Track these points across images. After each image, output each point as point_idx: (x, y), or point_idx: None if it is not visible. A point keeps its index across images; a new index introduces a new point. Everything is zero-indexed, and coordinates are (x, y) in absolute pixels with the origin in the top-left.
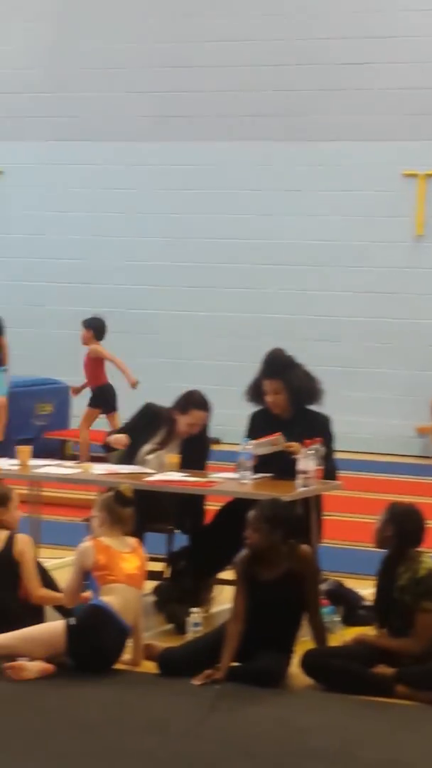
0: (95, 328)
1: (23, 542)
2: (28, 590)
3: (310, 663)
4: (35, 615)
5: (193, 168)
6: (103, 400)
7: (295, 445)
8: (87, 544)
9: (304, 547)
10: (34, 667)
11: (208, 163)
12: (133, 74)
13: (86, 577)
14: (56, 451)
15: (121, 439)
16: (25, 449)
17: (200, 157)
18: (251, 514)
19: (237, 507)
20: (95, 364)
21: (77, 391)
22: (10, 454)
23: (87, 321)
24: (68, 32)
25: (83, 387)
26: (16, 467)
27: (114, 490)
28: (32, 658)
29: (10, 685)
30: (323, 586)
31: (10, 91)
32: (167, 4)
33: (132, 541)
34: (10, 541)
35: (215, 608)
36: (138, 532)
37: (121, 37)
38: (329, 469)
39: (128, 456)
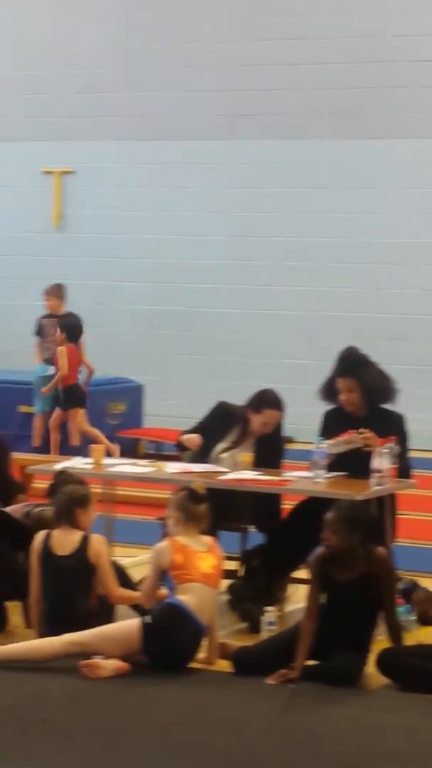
0: (66, 328)
1: (98, 543)
2: (107, 591)
3: (385, 662)
4: (108, 615)
5: (264, 166)
6: (72, 397)
7: (370, 436)
8: (163, 543)
9: (380, 550)
10: (110, 665)
11: (280, 162)
12: (204, 73)
13: (163, 576)
14: (129, 449)
15: (194, 440)
16: (99, 448)
17: (271, 156)
18: (330, 515)
19: (311, 506)
20: (69, 363)
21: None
22: (84, 453)
23: (59, 322)
24: (141, 32)
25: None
26: (90, 466)
27: (186, 488)
28: (107, 656)
29: (85, 682)
30: (398, 585)
31: (82, 91)
32: (238, 3)
33: (208, 539)
34: (84, 543)
35: (289, 607)
36: (212, 531)
37: (192, 36)
38: (403, 467)
39: (202, 455)
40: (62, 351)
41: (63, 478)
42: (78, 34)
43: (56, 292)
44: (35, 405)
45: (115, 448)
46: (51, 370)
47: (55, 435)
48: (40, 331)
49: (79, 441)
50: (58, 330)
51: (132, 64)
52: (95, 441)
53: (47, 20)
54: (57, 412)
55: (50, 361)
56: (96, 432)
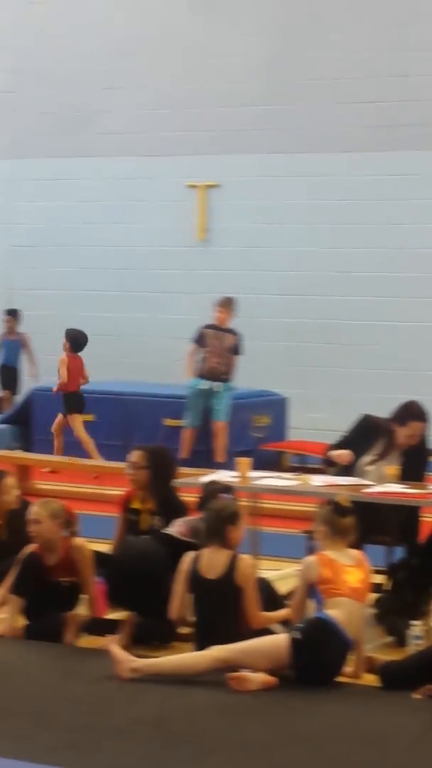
0: (71, 340)
1: (246, 566)
2: (249, 616)
3: None
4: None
5: (412, 178)
6: (73, 403)
7: None
8: (311, 557)
9: None
10: (257, 678)
11: (429, 172)
12: (350, 85)
13: (311, 591)
14: (273, 462)
15: (344, 456)
16: (244, 461)
17: (420, 167)
18: None
19: None
20: (70, 371)
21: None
22: (229, 466)
23: (67, 332)
24: (287, 44)
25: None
26: (236, 479)
27: (332, 501)
28: (254, 670)
29: (232, 696)
30: None
31: (228, 104)
32: (384, 14)
33: (356, 553)
34: (232, 566)
35: None
36: (357, 544)
37: (338, 47)
38: None
39: (347, 468)
40: (63, 360)
41: (212, 489)
42: (223, 48)
43: (227, 305)
44: (186, 418)
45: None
46: (203, 384)
47: (58, 440)
48: (201, 340)
49: (224, 458)
50: (64, 339)
51: (276, 77)
52: (86, 448)
53: (192, 34)
54: (59, 417)
55: (210, 371)
56: (89, 441)
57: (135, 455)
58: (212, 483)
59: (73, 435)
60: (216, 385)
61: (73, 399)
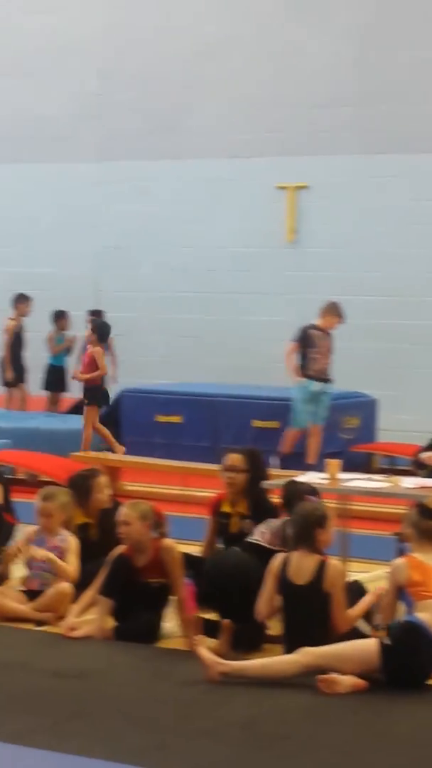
0: (98, 332)
1: (334, 572)
2: (338, 620)
3: None
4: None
5: None
6: (93, 396)
7: None
8: (400, 560)
9: None
10: (346, 681)
11: None
12: None
13: (400, 593)
14: (363, 464)
15: None
16: (334, 463)
17: None
18: None
19: None
20: (93, 364)
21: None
22: (319, 468)
23: (93, 321)
24: (377, 45)
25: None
26: (325, 481)
27: (419, 504)
28: (343, 673)
29: (322, 698)
30: None
31: (318, 105)
32: None
33: None
34: (320, 571)
35: None
36: None
37: (429, 47)
38: None
39: None
40: (99, 351)
41: (296, 489)
42: (312, 49)
43: (333, 309)
44: (295, 419)
45: (121, 449)
46: (315, 386)
47: (87, 431)
48: (307, 340)
49: (315, 459)
50: (89, 331)
51: (366, 78)
52: (107, 440)
53: (282, 35)
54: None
55: (320, 372)
56: (107, 433)
57: (234, 458)
58: (294, 483)
59: (164, 438)
60: (325, 387)
61: (96, 391)
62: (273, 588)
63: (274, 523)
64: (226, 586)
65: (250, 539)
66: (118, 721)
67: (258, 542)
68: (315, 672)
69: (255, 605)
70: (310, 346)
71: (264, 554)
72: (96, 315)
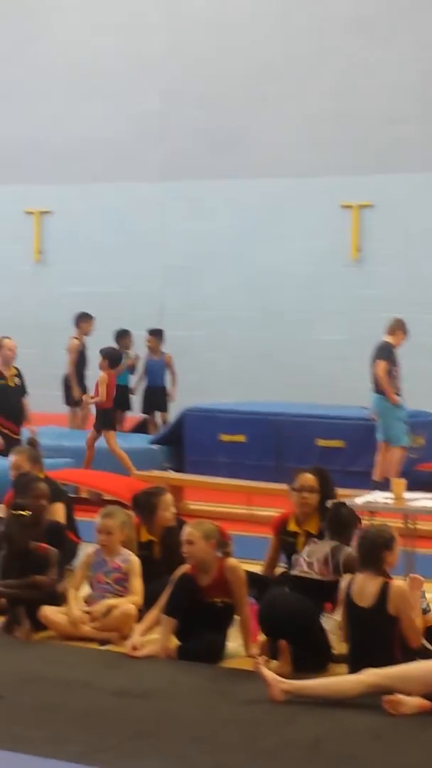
0: (109, 358)
1: (398, 594)
2: (409, 639)
3: None
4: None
5: None
6: (105, 421)
7: None
8: None
9: None
10: (412, 702)
11: None
12: None
13: None
14: (429, 483)
15: None
16: (400, 482)
17: None
18: None
19: None
20: (108, 389)
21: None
22: (385, 487)
23: (102, 350)
24: None
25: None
26: (391, 500)
27: None
28: (409, 694)
29: (388, 719)
30: None
31: (382, 123)
32: None
33: None
34: (384, 595)
35: None
36: None
37: None
38: None
39: None
40: (103, 378)
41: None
42: (377, 68)
43: (401, 325)
44: (395, 438)
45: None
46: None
47: (90, 452)
48: (392, 358)
49: (380, 477)
50: (101, 357)
51: (430, 95)
52: (124, 463)
53: (345, 53)
54: (92, 431)
55: (399, 390)
56: (125, 457)
57: (308, 479)
58: (339, 507)
59: (228, 457)
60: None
61: (108, 415)
62: (344, 609)
63: (317, 550)
64: (286, 628)
65: (298, 572)
66: (181, 741)
67: (309, 575)
68: (379, 692)
69: (317, 634)
70: (394, 363)
71: (314, 587)
72: (155, 334)
